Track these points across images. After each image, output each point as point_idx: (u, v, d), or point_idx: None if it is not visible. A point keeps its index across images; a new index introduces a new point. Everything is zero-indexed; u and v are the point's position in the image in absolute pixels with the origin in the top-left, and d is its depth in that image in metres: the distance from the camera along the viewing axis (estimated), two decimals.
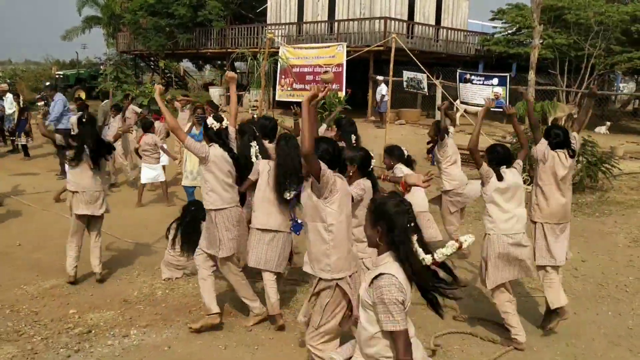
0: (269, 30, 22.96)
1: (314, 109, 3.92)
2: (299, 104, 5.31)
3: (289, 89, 21.31)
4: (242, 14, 27.04)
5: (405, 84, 18.21)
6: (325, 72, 16.40)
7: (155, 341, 5.06)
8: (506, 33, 24.30)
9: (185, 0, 25.66)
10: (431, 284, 3.02)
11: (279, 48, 20.43)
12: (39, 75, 33.11)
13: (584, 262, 7.24)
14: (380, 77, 19.06)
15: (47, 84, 25.46)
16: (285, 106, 21.02)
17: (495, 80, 16.53)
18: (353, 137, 6.36)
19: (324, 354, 3.87)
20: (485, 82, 16.62)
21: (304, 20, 24.32)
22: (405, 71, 18.12)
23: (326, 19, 23.66)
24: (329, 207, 3.81)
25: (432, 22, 24.34)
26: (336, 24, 22.74)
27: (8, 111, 15.37)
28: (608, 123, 19.78)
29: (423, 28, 23.18)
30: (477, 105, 17.01)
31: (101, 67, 32.85)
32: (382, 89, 18.93)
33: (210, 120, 5.10)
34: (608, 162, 11.60)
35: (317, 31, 23.37)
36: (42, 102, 22.68)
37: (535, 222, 5.36)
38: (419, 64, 14.04)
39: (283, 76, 21.28)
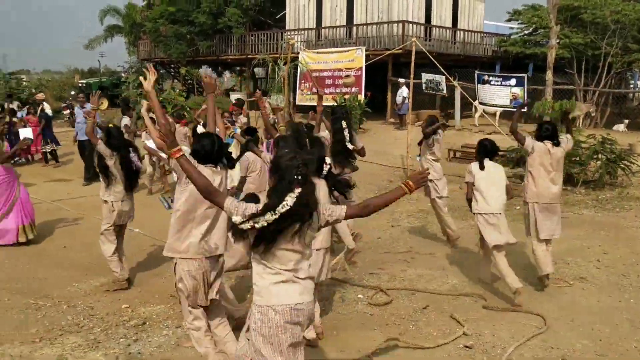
0: (289, 36, 23.38)
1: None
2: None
3: (308, 93, 21.71)
4: (261, 20, 27.47)
5: (424, 85, 18.49)
6: (347, 76, 16.92)
7: None
8: (522, 34, 24.47)
9: (205, 8, 26.12)
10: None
11: (298, 53, 20.84)
12: (62, 84, 33.86)
13: (606, 254, 7.53)
14: (401, 80, 19.39)
15: (73, 92, 26.14)
16: (306, 110, 21.44)
17: (513, 81, 16.75)
18: (344, 123, 6.84)
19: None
20: (503, 83, 16.85)
21: (323, 25, 24.72)
22: (423, 73, 18.41)
23: (344, 23, 24.04)
24: (180, 193, 4.29)
25: (449, 24, 24.62)
26: (355, 28, 23.11)
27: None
28: (626, 121, 19.89)
29: (440, 30, 23.47)
30: (496, 105, 17.28)
31: (123, 75, 33.52)
32: (403, 91, 19.26)
33: (200, 128, 5.29)
34: (627, 159, 11.84)
35: (336, 36, 23.76)
36: (68, 110, 23.30)
37: (527, 202, 6.47)
38: (438, 66, 14.37)
39: (303, 80, 21.69)
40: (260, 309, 3.30)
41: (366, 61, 19.94)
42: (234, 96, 26.84)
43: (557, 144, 6.42)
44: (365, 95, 19.90)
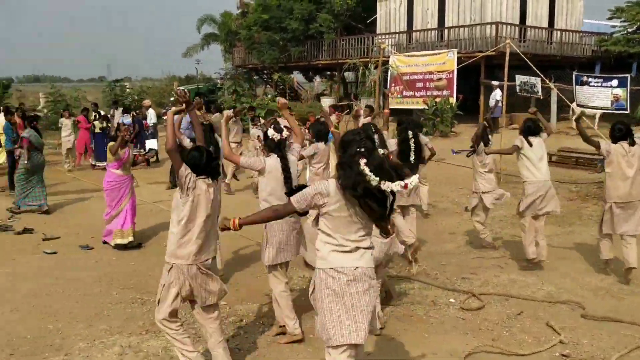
0: (380, 40, 23.44)
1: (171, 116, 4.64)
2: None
3: (399, 96, 21.66)
4: (352, 25, 27.67)
5: (518, 88, 17.94)
6: (439, 79, 16.89)
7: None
8: (625, 32, 23.32)
9: (297, 14, 26.64)
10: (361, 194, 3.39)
11: (389, 57, 20.84)
12: (162, 90, 35.44)
13: None
14: (494, 82, 18.96)
15: (172, 99, 27.34)
16: (395, 113, 21.40)
17: (614, 82, 15.98)
18: (410, 132, 7.04)
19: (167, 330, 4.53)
20: (603, 84, 16.11)
21: (414, 29, 24.60)
22: (518, 75, 17.91)
23: (436, 26, 23.83)
24: (182, 204, 4.35)
25: (545, 24, 23.84)
26: (446, 31, 22.86)
27: (150, 122, 16.92)
28: None
29: (536, 31, 22.78)
30: (595, 108, 16.55)
31: (218, 81, 34.71)
32: (497, 94, 18.83)
33: (270, 131, 5.28)
34: None
35: (427, 39, 23.59)
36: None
37: (606, 202, 6.83)
38: (534, 67, 13.98)
39: (393, 84, 21.67)
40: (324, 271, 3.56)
41: (458, 64, 19.66)
42: (324, 100, 27.25)
43: (632, 143, 6.67)
44: (457, 98, 19.62)
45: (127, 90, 29.61)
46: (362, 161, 3.38)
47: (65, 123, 15.67)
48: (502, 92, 15.06)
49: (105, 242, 8.58)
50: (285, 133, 5.27)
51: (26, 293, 6.64)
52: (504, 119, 15.15)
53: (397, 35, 24.98)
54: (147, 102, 19.14)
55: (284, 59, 28.59)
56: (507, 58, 13.15)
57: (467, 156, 8.63)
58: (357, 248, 3.53)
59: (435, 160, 8.16)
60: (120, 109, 19.30)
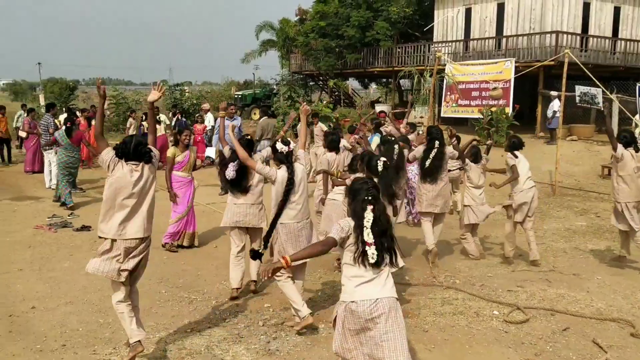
0: (436, 48, 23.27)
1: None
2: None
3: (454, 105, 21.42)
4: (408, 32, 27.57)
5: (578, 99, 17.47)
6: (494, 88, 16.63)
7: None
8: None
9: (354, 21, 26.74)
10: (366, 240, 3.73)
11: (445, 65, 20.67)
12: (220, 95, 36.15)
13: None
14: (553, 93, 18.53)
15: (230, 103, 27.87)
16: (450, 122, 21.18)
17: None
18: (437, 142, 7.73)
19: None
20: None
21: (471, 37, 24.32)
22: (577, 86, 17.45)
23: (494, 35, 23.48)
24: (107, 185, 4.87)
25: (609, 34, 23.12)
26: (504, 39, 22.48)
27: (209, 126, 17.34)
28: None
29: (598, 41, 22.15)
30: None
31: (275, 87, 35.19)
32: (555, 105, 18.41)
33: (279, 145, 5.67)
34: None
35: (484, 47, 23.26)
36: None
37: (619, 202, 7.56)
38: (594, 79, 13.62)
39: (449, 92, 21.44)
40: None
41: (515, 73, 19.31)
42: (378, 107, 27.22)
43: (637, 149, 7.47)
44: (513, 108, 19.27)
45: (187, 94, 30.31)
46: (369, 207, 3.76)
47: (131, 123, 16.32)
48: (560, 102, 14.72)
49: (164, 245, 8.58)
50: (292, 145, 5.71)
51: (80, 288, 6.93)
52: (561, 130, 14.76)
53: (454, 43, 24.74)
54: (206, 105, 19.46)
55: (340, 65, 28.73)
56: (565, 68, 12.88)
57: (460, 170, 9.21)
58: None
59: (488, 171, 8.15)
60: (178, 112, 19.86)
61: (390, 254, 3.77)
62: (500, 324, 5.87)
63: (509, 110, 19.11)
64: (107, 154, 4.84)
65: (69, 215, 10.57)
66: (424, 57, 25.15)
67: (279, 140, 5.76)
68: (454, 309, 6.22)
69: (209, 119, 17.79)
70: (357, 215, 3.76)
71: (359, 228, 3.71)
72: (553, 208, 11.62)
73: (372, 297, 3.65)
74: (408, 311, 6.15)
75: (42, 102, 25.28)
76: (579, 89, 17.53)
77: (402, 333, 3.69)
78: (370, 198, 3.76)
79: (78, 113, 17.14)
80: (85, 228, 9.69)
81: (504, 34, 23.02)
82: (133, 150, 4.85)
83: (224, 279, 7.30)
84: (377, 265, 3.68)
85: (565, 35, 20.75)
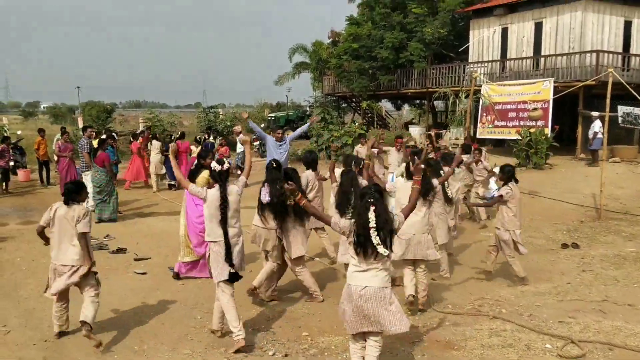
0: (472, 69, 22.97)
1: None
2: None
3: (490, 126, 21.08)
4: (443, 53, 27.33)
5: (620, 119, 17.00)
6: (534, 109, 16.28)
7: None
8: None
9: (388, 43, 26.62)
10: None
11: (481, 86, 20.37)
12: (253, 117, 36.29)
13: None
14: (594, 113, 18.04)
15: (262, 125, 27.96)
16: (486, 143, 20.78)
17: None
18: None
19: None
20: None
21: (508, 57, 23.96)
22: (620, 106, 16.97)
23: (531, 54, 23.08)
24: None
25: None
26: (542, 59, 22.08)
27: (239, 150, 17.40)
28: None
29: None
30: None
31: (307, 109, 35.19)
32: (596, 125, 17.91)
33: (213, 164, 5.91)
34: None
35: (521, 67, 22.87)
36: (258, 142, 24.98)
37: None
38: (638, 97, 13.18)
39: (485, 113, 21.11)
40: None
41: (554, 93, 18.90)
42: (412, 129, 26.96)
43: None
44: (552, 129, 18.82)
45: (220, 116, 30.48)
46: (372, 208, 4.57)
47: (155, 145, 16.36)
48: (603, 123, 14.28)
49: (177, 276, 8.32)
50: (226, 165, 5.93)
51: (114, 312, 6.79)
52: (604, 151, 14.28)
53: (490, 63, 24.40)
54: (237, 128, 19.39)
55: (373, 87, 28.61)
56: (609, 87, 12.47)
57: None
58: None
59: (528, 193, 7.80)
60: (212, 135, 19.91)
61: (386, 246, 4.55)
62: (554, 358, 5.51)
63: (548, 131, 18.68)
64: (195, 188, 5.95)
65: (104, 237, 10.52)
66: (458, 78, 24.87)
67: (215, 160, 6.03)
68: (503, 341, 5.88)
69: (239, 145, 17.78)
70: (359, 215, 4.64)
71: (358, 228, 4.61)
72: (599, 233, 11.15)
73: (362, 284, 4.59)
74: (454, 343, 5.84)
75: (80, 124, 25.67)
76: (622, 109, 17.07)
77: (390, 310, 4.59)
78: (372, 200, 4.58)
79: (115, 135, 17.30)
80: (120, 250, 9.61)
81: (542, 53, 22.61)
82: (65, 195, 5.89)
83: (259, 305, 7.11)
84: (368, 258, 4.57)
85: (606, 55, 20.28)
